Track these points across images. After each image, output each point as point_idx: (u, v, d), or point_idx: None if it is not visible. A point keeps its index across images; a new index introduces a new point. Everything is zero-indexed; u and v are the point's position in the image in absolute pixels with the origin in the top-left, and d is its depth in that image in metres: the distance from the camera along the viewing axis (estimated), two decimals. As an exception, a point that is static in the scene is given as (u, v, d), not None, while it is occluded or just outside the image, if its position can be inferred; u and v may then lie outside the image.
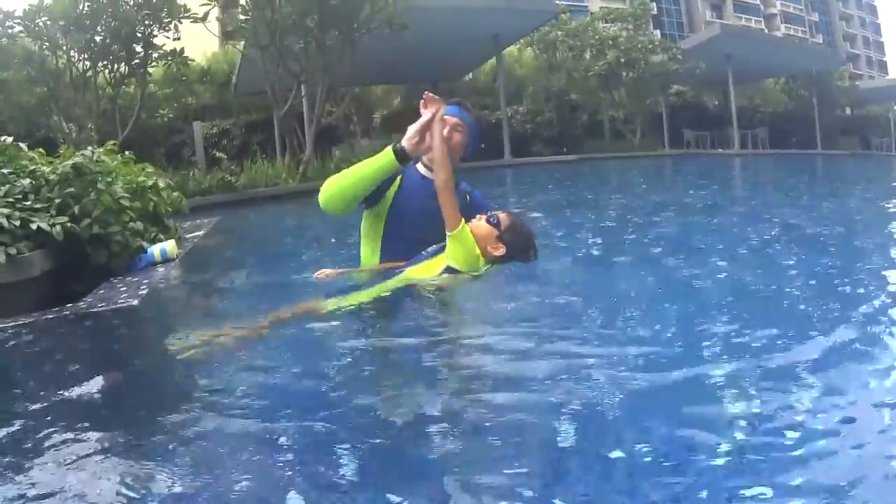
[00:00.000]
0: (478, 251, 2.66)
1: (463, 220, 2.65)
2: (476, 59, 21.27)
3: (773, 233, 4.84)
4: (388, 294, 2.52)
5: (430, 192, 2.70)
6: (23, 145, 3.98)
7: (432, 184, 2.71)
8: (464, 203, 2.87)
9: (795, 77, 27.77)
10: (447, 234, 2.62)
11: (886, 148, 28.17)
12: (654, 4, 37.29)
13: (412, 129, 2.73)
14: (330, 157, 14.12)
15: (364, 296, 2.51)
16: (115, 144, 4.91)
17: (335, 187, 2.73)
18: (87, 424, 1.64)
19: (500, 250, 2.73)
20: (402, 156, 2.68)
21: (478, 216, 2.77)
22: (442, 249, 2.68)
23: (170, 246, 4.12)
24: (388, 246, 2.88)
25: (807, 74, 26.73)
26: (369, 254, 2.94)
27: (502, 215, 2.80)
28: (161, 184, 4.83)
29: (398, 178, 2.87)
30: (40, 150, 4.30)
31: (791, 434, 1.39)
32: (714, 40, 21.75)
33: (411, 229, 2.81)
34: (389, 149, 2.70)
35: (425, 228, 2.72)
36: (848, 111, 32.00)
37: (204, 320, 2.68)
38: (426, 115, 2.74)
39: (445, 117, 2.82)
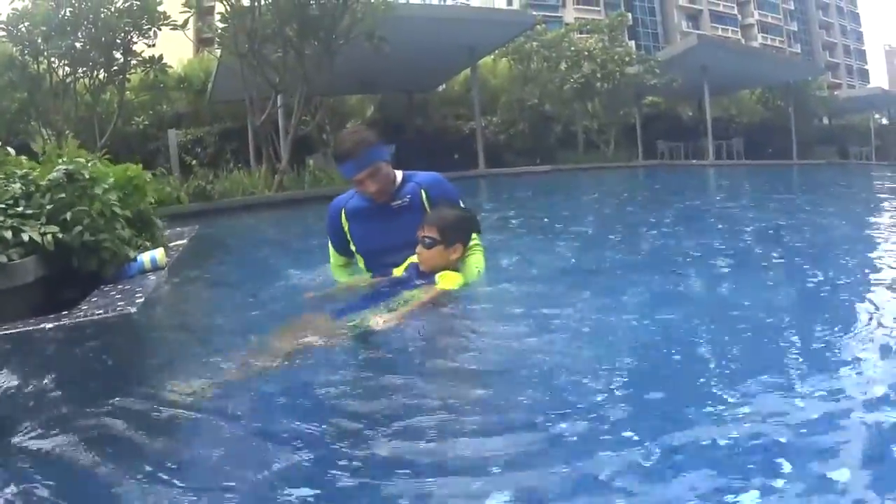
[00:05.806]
0: (460, 279, 2.79)
1: (439, 276, 2.78)
2: (451, 70, 21.34)
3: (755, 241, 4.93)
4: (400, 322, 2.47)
5: (382, 213, 2.97)
6: (11, 150, 3.93)
7: (377, 205, 2.96)
8: (418, 201, 2.98)
9: (772, 88, 27.84)
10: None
11: (867, 157, 27.96)
12: (630, 15, 37.58)
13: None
14: (305, 167, 14.00)
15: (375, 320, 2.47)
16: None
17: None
18: (94, 433, 1.66)
19: (459, 251, 2.87)
20: None
21: (417, 249, 2.85)
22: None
23: (159, 254, 4.10)
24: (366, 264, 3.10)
25: (784, 85, 26.71)
26: (346, 274, 3.19)
27: (428, 228, 2.85)
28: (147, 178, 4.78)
29: (343, 218, 3.06)
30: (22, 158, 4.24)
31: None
32: (690, 51, 21.61)
33: (381, 245, 3.02)
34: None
35: (391, 240, 2.96)
36: (826, 121, 32.14)
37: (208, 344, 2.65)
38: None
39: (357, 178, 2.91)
